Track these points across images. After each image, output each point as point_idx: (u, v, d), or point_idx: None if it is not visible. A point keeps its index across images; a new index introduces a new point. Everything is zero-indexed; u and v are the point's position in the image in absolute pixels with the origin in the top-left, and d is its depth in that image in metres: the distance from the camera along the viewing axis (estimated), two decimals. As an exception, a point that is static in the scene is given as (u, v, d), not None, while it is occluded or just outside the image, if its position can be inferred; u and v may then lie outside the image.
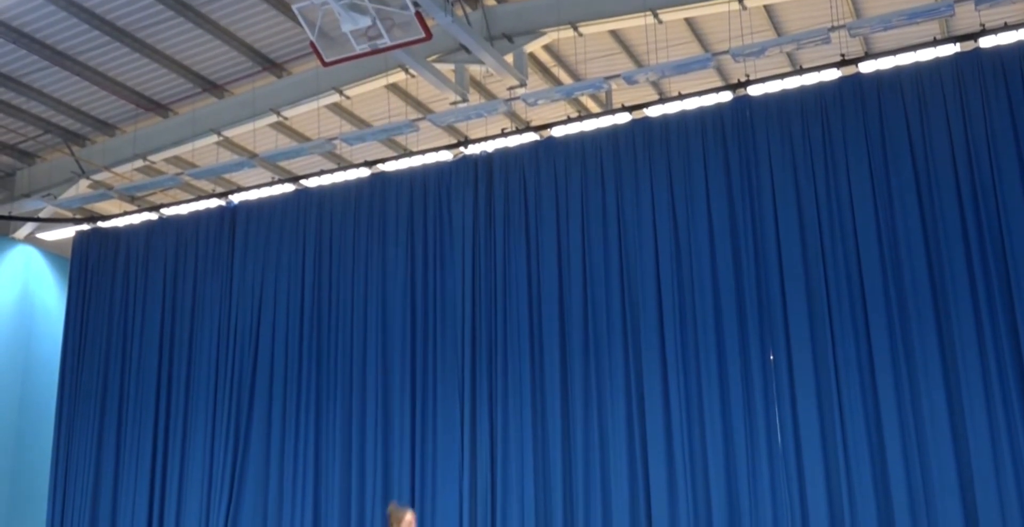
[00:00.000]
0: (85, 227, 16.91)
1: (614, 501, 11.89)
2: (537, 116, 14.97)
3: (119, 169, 16.31)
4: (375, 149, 16.09)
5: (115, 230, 16.67)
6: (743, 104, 12.42)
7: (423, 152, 14.27)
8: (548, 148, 13.48)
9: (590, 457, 12.19)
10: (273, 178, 15.73)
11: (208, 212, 15.88)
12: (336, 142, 14.11)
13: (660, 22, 13.03)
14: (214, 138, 15.67)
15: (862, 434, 10.92)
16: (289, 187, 15.24)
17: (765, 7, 13.22)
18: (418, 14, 10.60)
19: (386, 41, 10.87)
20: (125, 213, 16.54)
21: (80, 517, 15.31)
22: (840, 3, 12.58)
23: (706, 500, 11.48)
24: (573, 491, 12.21)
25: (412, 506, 13.05)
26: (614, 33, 14.01)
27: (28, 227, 17.43)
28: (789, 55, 13.73)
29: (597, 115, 13.35)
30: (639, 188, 12.77)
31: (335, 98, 14.80)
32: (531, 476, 12.39)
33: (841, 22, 11.88)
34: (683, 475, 11.60)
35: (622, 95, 14.46)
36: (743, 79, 12.39)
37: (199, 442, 14.75)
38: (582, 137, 13.27)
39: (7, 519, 16.44)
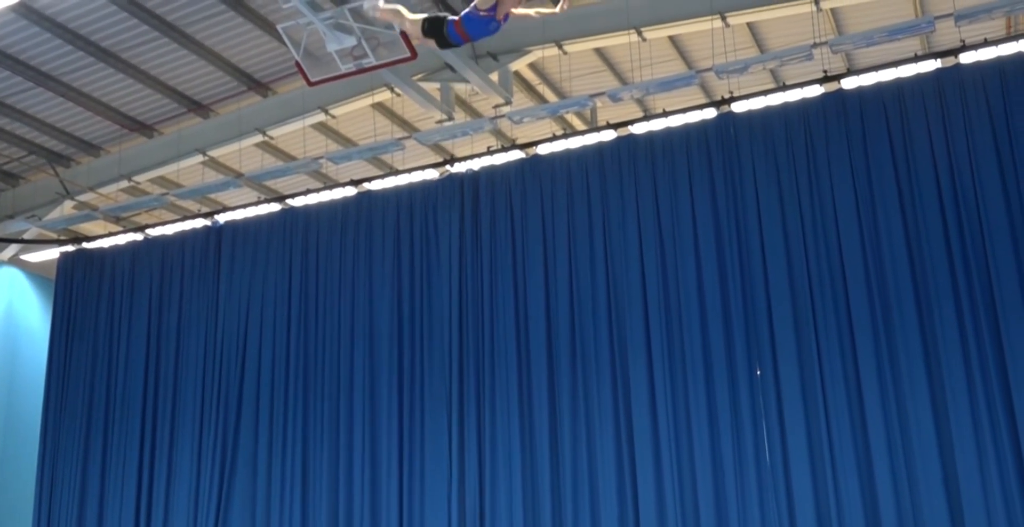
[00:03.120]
0: (70, 248, 16.84)
1: (603, 516, 11.87)
2: (523, 134, 15.00)
3: (104, 190, 16.28)
4: (361, 168, 16.11)
5: (100, 251, 16.60)
6: (727, 120, 12.49)
7: (409, 171, 14.29)
8: (534, 166, 13.52)
9: (578, 471, 12.18)
10: (259, 198, 15.72)
11: (194, 232, 15.83)
12: (322, 161, 14.13)
13: (644, 40, 13.11)
14: (199, 158, 15.66)
15: (849, 447, 10.94)
16: (275, 206, 15.22)
17: (748, 24, 13.33)
18: (403, 33, 10.64)
19: (371, 60, 10.90)
20: (110, 234, 16.49)
21: (66, 540, 15.22)
22: (822, 20, 12.69)
23: (695, 515, 11.47)
24: (562, 506, 12.18)
25: (400, 524, 13.02)
26: (598, 51, 14.09)
27: (12, 249, 17.36)
28: (772, 72, 13.82)
29: (582, 132, 13.40)
30: (625, 205, 12.81)
31: (321, 117, 14.82)
32: (519, 493, 12.36)
33: (823, 39, 11.98)
34: (671, 490, 11.60)
35: (607, 112, 14.54)
36: (727, 96, 12.46)
37: (186, 463, 14.65)
38: (568, 154, 13.32)
39: (-8, 543, 16.34)
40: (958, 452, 10.44)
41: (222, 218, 15.67)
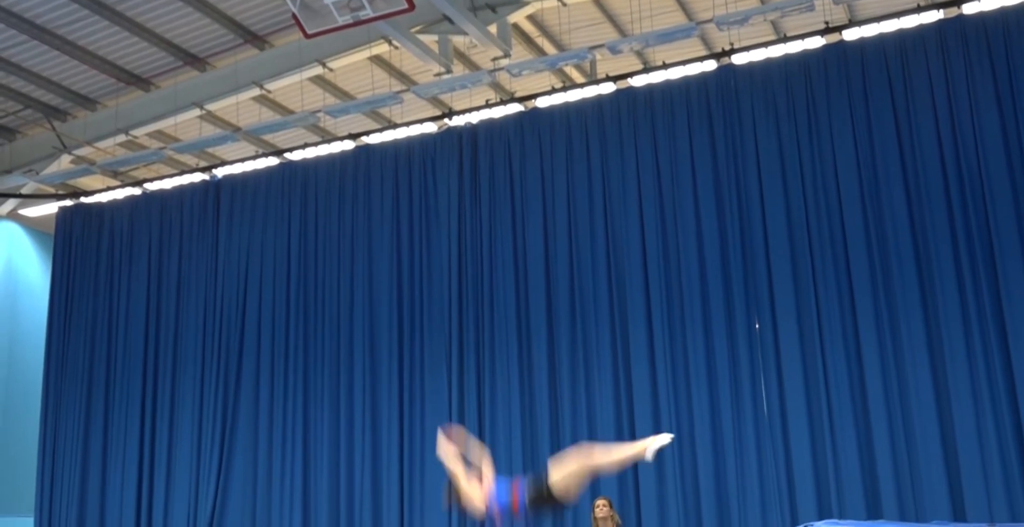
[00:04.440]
0: (68, 203, 16.82)
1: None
2: (521, 87, 14.90)
3: (101, 144, 16.20)
4: (359, 121, 16.03)
5: (99, 205, 16.58)
6: (727, 73, 12.42)
7: (407, 124, 14.24)
8: (533, 119, 13.46)
9: (578, 425, 12.26)
10: (257, 152, 15.65)
11: (192, 186, 15.82)
12: (320, 115, 14.06)
13: (644, -9, 12.99)
14: (197, 112, 15.56)
15: (847, 400, 11.01)
16: (273, 160, 15.18)
17: (749, -25, 13.18)
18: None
19: (368, 12, 10.83)
20: (108, 188, 16.45)
21: (69, 493, 15.33)
22: (824, -30, 12.55)
23: (692, 469, 11.57)
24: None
25: (400, 481, 13.11)
26: (598, 3, 13.96)
27: (10, 204, 17.33)
28: (773, 23, 13.69)
29: (581, 85, 13.32)
30: (624, 158, 12.78)
31: (318, 70, 14.71)
32: (519, 450, 12.45)
33: (825, -11, 11.87)
34: (670, 445, 11.65)
35: (606, 65, 14.43)
36: (727, 48, 12.37)
37: (187, 417, 14.76)
38: (567, 108, 13.25)
39: (-4, 496, 16.50)
40: (955, 403, 10.51)
41: (220, 172, 15.64)
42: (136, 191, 16.20)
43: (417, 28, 13.56)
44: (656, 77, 12.70)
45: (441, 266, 13.52)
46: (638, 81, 12.84)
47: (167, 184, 15.95)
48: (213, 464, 14.26)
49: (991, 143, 10.92)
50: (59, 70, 15.20)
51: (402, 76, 15.41)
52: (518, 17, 13.76)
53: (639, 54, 14.64)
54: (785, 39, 12.12)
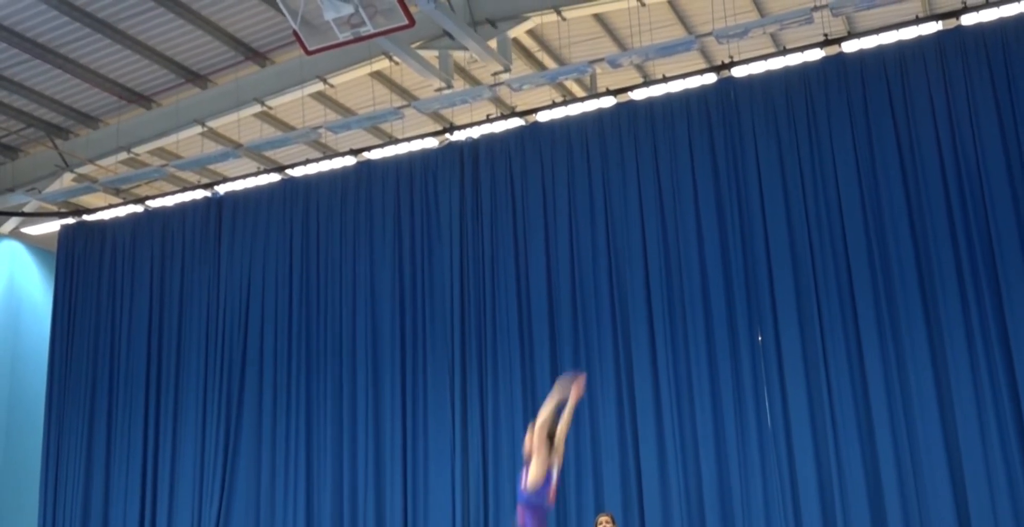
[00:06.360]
0: (70, 221, 16.84)
1: (605, 482, 11.96)
2: (522, 101, 14.94)
3: (103, 162, 16.23)
4: (360, 137, 16.06)
5: (101, 223, 16.60)
6: (727, 85, 12.44)
7: (408, 139, 14.27)
8: (534, 133, 13.48)
9: (581, 438, 12.23)
10: (259, 168, 15.70)
11: (194, 203, 15.83)
12: (321, 131, 14.08)
13: (643, 5, 13.03)
14: (198, 129, 15.60)
15: (850, 411, 11.00)
16: (275, 177, 15.21)
17: (747, -12, 13.23)
18: (400, 1, 10.57)
19: (369, 28, 10.83)
20: (110, 206, 16.47)
21: (72, 509, 15.28)
22: (822, -17, 12.59)
23: (696, 480, 11.55)
24: (565, 473, 12.24)
25: (404, 495, 13.09)
26: (597, 17, 14.00)
27: (13, 222, 17.34)
28: (772, 36, 13.73)
29: (582, 99, 13.35)
30: (625, 171, 12.80)
31: (319, 87, 14.76)
32: (522, 458, 12.40)
33: (824, 2, 11.88)
34: (673, 457, 11.66)
35: (607, 79, 14.46)
36: (727, 61, 12.41)
37: (190, 434, 14.73)
38: (567, 121, 13.28)
39: None
40: (959, 415, 10.49)
41: (222, 189, 15.66)
42: (138, 208, 16.23)
43: (417, 44, 13.60)
44: (656, 90, 12.73)
45: (443, 280, 13.52)
46: (638, 95, 12.87)
47: (169, 201, 15.97)
48: (216, 479, 14.24)
49: (991, 153, 10.93)
50: (61, 88, 15.24)
51: (403, 91, 15.45)
52: (518, 32, 13.80)
53: (639, 68, 14.69)
54: (785, 51, 12.15)
